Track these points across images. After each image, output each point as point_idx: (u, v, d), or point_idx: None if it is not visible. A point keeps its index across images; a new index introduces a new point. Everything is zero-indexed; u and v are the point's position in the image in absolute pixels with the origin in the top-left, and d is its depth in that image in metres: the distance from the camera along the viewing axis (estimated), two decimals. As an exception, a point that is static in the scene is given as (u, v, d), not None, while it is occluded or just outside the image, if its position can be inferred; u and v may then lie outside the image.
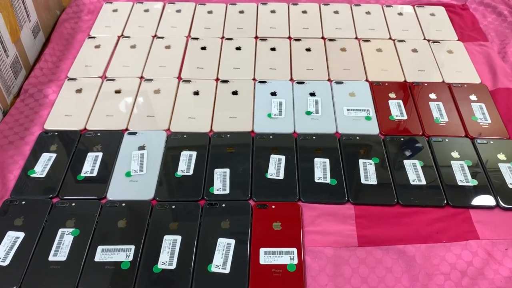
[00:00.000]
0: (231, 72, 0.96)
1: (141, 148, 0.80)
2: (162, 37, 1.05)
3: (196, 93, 0.91)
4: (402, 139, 0.82)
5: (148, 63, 0.98)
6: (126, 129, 0.84)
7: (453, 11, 1.14)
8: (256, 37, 1.06)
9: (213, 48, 1.02)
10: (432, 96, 0.90)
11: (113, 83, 0.93)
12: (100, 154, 0.79)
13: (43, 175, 0.76)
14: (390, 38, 1.06)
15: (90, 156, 0.79)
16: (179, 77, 0.95)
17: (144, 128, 0.84)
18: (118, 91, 0.91)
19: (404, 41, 1.04)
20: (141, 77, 0.95)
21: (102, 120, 0.86)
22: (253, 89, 0.92)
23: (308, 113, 0.87)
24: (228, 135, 0.83)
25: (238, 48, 1.02)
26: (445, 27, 1.08)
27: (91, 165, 0.77)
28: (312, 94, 0.91)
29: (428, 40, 1.04)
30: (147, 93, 0.91)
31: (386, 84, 0.93)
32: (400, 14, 1.12)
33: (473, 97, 0.90)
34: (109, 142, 0.81)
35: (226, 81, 0.94)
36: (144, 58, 0.99)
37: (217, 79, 0.95)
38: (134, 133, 0.83)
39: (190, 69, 0.97)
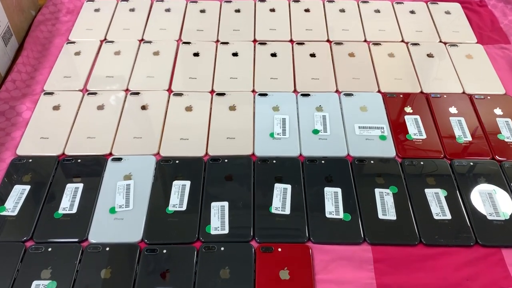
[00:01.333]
0: (227, 83, 0.86)
1: (127, 177, 0.70)
2: (150, 42, 0.94)
3: (189, 108, 0.81)
4: (422, 163, 0.73)
5: (135, 72, 0.88)
6: (110, 154, 0.74)
7: (470, 8, 1.03)
8: (255, 41, 0.95)
9: (207, 54, 0.92)
10: (453, 110, 0.81)
11: (95, 98, 0.83)
12: (81, 186, 0.69)
13: (15, 213, 0.66)
14: (402, 41, 0.95)
15: (69, 188, 0.69)
16: (169, 90, 0.85)
17: (131, 152, 0.74)
18: (100, 107, 0.81)
19: (418, 44, 0.94)
20: (127, 90, 0.85)
21: (82, 143, 0.76)
22: (253, 103, 0.82)
23: (315, 132, 0.77)
24: (226, 160, 0.73)
25: (235, 54, 0.92)
26: (463, 27, 0.98)
27: (70, 199, 0.68)
28: (319, 109, 0.81)
29: (445, 43, 0.95)
30: (134, 109, 0.81)
31: (401, 96, 0.84)
32: (413, 12, 1.02)
33: (498, 111, 0.80)
34: (91, 170, 0.72)
35: (222, 94, 0.83)
36: (130, 66, 0.89)
37: (212, 92, 0.85)
38: (119, 159, 0.73)
39: (182, 79, 0.87)
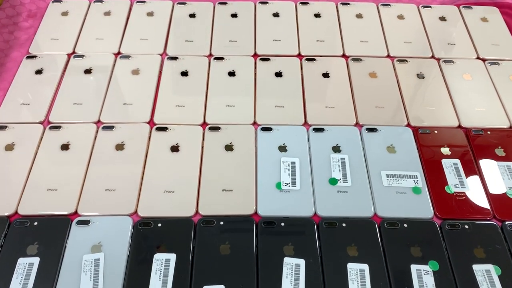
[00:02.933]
0: (223, 113, 0.70)
1: (96, 249, 0.55)
2: (128, 56, 0.77)
3: (175, 148, 0.65)
4: (466, 226, 0.58)
5: (108, 100, 0.71)
6: (76, 213, 0.59)
7: (510, 14, 0.87)
8: (256, 55, 0.79)
9: (197, 72, 0.75)
10: (499, 152, 0.66)
11: (58, 133, 0.67)
12: (37, 261, 0.54)
13: None
14: (432, 57, 0.79)
15: (22, 263, 0.54)
16: (151, 122, 0.69)
17: (101, 211, 0.59)
18: (66, 146, 0.65)
19: (452, 62, 0.78)
20: (98, 122, 0.69)
21: (41, 197, 0.60)
22: (254, 140, 0.66)
23: (333, 181, 0.62)
24: (222, 222, 0.58)
25: (232, 74, 0.75)
26: (503, 39, 0.82)
27: (21, 281, 0.53)
28: (336, 149, 0.65)
29: (483, 60, 0.79)
30: (106, 152, 0.65)
31: (436, 131, 0.68)
32: (443, 19, 0.85)
33: (555, 154, 0.66)
34: (51, 236, 0.56)
35: (216, 128, 0.68)
36: (103, 91, 0.72)
37: (204, 125, 0.69)
38: (87, 222, 0.57)
39: (167, 109, 0.70)
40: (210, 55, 0.79)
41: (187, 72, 0.75)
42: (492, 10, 0.87)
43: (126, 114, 0.69)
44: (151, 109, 0.70)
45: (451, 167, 0.64)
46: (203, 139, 0.67)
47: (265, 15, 0.85)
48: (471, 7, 0.88)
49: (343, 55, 0.79)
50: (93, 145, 0.65)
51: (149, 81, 0.74)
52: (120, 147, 0.65)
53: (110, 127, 0.67)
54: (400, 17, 0.85)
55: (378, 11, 0.87)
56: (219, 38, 0.81)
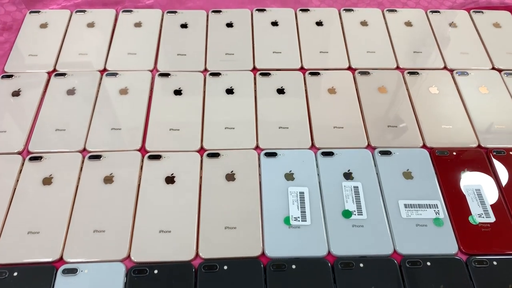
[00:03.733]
0: (222, 137, 0.64)
1: (86, 304, 0.49)
2: (115, 74, 0.70)
3: (170, 180, 0.59)
4: (495, 263, 0.53)
5: (94, 125, 0.64)
6: (61, 260, 0.52)
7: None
8: (255, 69, 0.72)
9: (192, 90, 0.69)
10: (525, 174, 0.61)
11: (39, 165, 0.60)
12: (16, 320, 0.47)
13: None
14: (445, 68, 0.74)
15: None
16: (142, 150, 0.62)
17: (90, 257, 0.52)
18: (48, 180, 0.58)
19: (467, 73, 0.72)
20: (84, 150, 0.62)
21: (22, 242, 0.53)
22: (258, 167, 0.60)
23: (347, 214, 0.56)
24: (226, 267, 0.52)
25: (230, 91, 0.69)
26: None
27: None
28: (348, 175, 0.60)
29: (499, 70, 0.73)
30: (94, 186, 0.58)
31: (454, 153, 0.62)
32: (453, 25, 0.80)
33: None
34: (32, 289, 0.50)
35: (216, 155, 0.61)
36: (88, 114, 0.65)
37: (201, 151, 0.62)
38: (74, 271, 0.51)
39: (160, 134, 0.64)
40: (205, 70, 0.72)
41: (181, 90, 0.69)
42: (504, 15, 0.82)
43: (114, 141, 0.63)
44: (142, 134, 0.63)
45: (473, 193, 0.59)
46: (201, 168, 0.60)
47: (263, 24, 0.79)
48: (482, 12, 0.82)
49: (349, 68, 0.73)
50: (79, 178, 0.59)
51: (139, 102, 0.67)
52: (109, 179, 0.58)
53: (97, 157, 0.60)
54: (408, 23, 0.80)
55: (384, 18, 0.81)
56: (214, 51, 0.74)
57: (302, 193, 0.58)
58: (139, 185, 0.58)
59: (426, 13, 0.82)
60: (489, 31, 0.79)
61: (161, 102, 0.67)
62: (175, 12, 0.80)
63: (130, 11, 0.80)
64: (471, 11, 0.82)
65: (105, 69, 0.71)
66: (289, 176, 0.60)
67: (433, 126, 0.65)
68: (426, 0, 0.85)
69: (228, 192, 0.58)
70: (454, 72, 0.72)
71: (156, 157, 0.61)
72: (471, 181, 0.60)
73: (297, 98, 0.68)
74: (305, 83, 0.70)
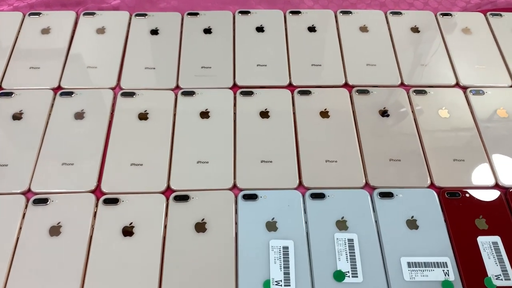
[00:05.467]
0: (194, 175, 0.54)
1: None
2: (71, 93, 0.60)
3: (128, 233, 0.49)
4: None
5: (42, 162, 0.54)
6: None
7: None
8: (235, 87, 0.62)
9: (160, 114, 0.59)
10: (551, 223, 0.51)
11: (-27, 212, 0.50)
12: None
13: None
14: (457, 85, 0.63)
15: None
16: (97, 191, 0.52)
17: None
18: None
19: (483, 92, 0.62)
20: (28, 191, 0.52)
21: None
22: (234, 213, 0.51)
23: (340, 277, 0.47)
24: None
25: (205, 115, 0.58)
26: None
27: None
28: (342, 224, 0.50)
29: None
30: (43, 232, 0.49)
31: (467, 195, 0.53)
32: (467, 31, 0.69)
33: None
34: None
35: (185, 198, 0.51)
36: (37, 143, 0.55)
37: (168, 192, 0.52)
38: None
39: (120, 165, 0.54)
40: (177, 87, 0.61)
41: (147, 113, 0.58)
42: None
43: (62, 181, 0.52)
44: (98, 173, 0.53)
45: (489, 248, 0.49)
46: (166, 215, 0.50)
47: (247, 30, 0.68)
48: (500, 14, 0.71)
49: (345, 85, 0.63)
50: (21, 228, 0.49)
51: (97, 128, 0.57)
52: (57, 231, 0.49)
53: (44, 200, 0.51)
54: (415, 29, 0.68)
55: (387, 21, 0.69)
56: (188, 64, 0.64)
57: (286, 248, 0.49)
58: (91, 237, 0.49)
59: (435, 16, 0.71)
60: (507, 37, 0.68)
61: (123, 128, 0.57)
62: (144, 15, 0.69)
63: (93, 13, 0.68)
64: (488, 13, 0.71)
65: (59, 87, 0.61)
66: (272, 226, 0.50)
67: (443, 161, 0.55)
68: (436, 0, 0.73)
69: (197, 246, 0.48)
70: (468, 90, 0.62)
71: (114, 201, 0.51)
72: (488, 231, 0.50)
73: (284, 125, 0.58)
74: (293, 104, 0.60)
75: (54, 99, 0.59)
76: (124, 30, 0.67)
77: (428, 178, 0.54)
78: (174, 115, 0.59)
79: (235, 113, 0.59)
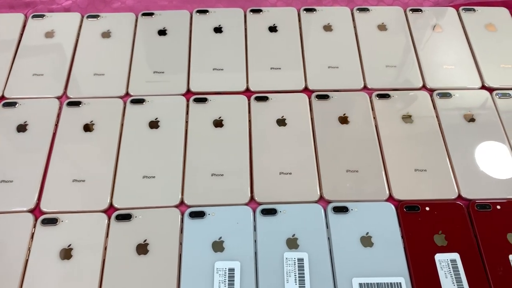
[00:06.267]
0: (138, 188, 0.51)
1: None
2: (14, 103, 0.57)
3: (67, 256, 0.47)
4: None
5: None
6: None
7: (523, 17, 0.67)
8: (189, 93, 0.59)
9: (106, 123, 0.56)
10: (513, 237, 0.48)
11: None
12: None
13: None
14: (424, 87, 0.60)
15: None
16: (36, 211, 0.50)
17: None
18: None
19: (449, 95, 0.58)
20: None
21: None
22: (179, 232, 0.48)
23: (285, 300, 0.44)
24: None
25: (155, 124, 0.55)
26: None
27: None
28: (293, 243, 0.48)
29: (490, 90, 0.59)
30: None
31: (427, 208, 0.50)
32: (436, 29, 0.65)
33: None
34: None
35: (127, 217, 0.49)
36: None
37: (110, 210, 0.50)
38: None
39: (61, 182, 0.51)
40: (127, 95, 0.58)
41: (92, 123, 0.55)
42: (500, 13, 0.67)
43: (3, 199, 0.50)
44: (39, 189, 0.50)
45: (447, 266, 0.47)
46: (106, 235, 0.48)
47: (204, 31, 0.64)
48: (473, 9, 0.67)
49: (305, 89, 0.59)
50: None
51: (39, 141, 0.54)
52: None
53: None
54: (382, 27, 0.65)
55: (353, 19, 0.66)
56: (140, 69, 0.60)
57: (232, 270, 0.46)
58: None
59: (405, 11, 0.67)
60: (482, 35, 0.64)
61: (67, 145, 0.54)
62: (97, 16, 0.65)
63: (42, 15, 0.65)
64: (461, 8, 0.67)
65: (2, 97, 0.58)
66: (218, 246, 0.47)
67: (403, 172, 0.52)
68: (406, -5, 0.69)
69: (138, 270, 0.46)
70: (435, 93, 0.59)
71: (52, 221, 0.48)
72: (446, 247, 0.48)
73: (238, 131, 0.55)
74: (249, 112, 0.57)
75: (-5, 110, 0.56)
76: (75, 33, 0.63)
77: (387, 190, 0.51)
78: (122, 125, 0.55)
79: (187, 122, 0.56)
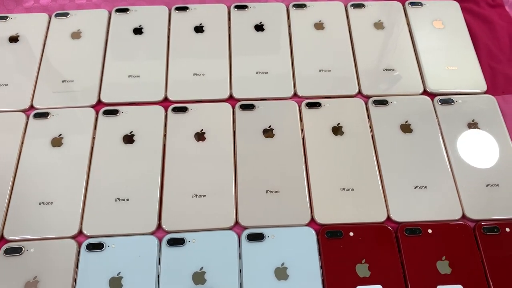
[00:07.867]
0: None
1: None
2: None
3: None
4: None
5: None
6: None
7: (475, 13, 0.61)
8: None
9: (6, 140, 0.50)
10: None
11: None
12: None
13: None
14: (359, 93, 0.55)
15: None
16: None
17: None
18: None
19: (387, 102, 0.53)
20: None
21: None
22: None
23: None
24: None
25: (57, 143, 0.50)
26: (465, 55, 0.57)
27: None
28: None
29: (432, 95, 0.54)
30: None
31: (351, 234, 0.46)
32: (379, 26, 0.59)
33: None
34: None
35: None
36: None
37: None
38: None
39: None
40: (32, 107, 0.53)
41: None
42: (450, 8, 0.61)
43: None
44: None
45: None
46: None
47: (123, 31, 0.58)
48: (421, 4, 0.61)
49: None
50: None
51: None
52: None
53: None
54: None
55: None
56: (47, 78, 0.54)
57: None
58: None
59: (346, 7, 0.61)
60: (428, 34, 0.59)
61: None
62: (5, 17, 0.59)
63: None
64: (407, 3, 0.61)
65: None
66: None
67: (327, 192, 0.47)
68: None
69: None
70: (370, 101, 0.53)
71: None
72: (369, 279, 0.43)
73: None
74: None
75: None
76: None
77: (309, 213, 0.46)
78: (22, 143, 0.50)
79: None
